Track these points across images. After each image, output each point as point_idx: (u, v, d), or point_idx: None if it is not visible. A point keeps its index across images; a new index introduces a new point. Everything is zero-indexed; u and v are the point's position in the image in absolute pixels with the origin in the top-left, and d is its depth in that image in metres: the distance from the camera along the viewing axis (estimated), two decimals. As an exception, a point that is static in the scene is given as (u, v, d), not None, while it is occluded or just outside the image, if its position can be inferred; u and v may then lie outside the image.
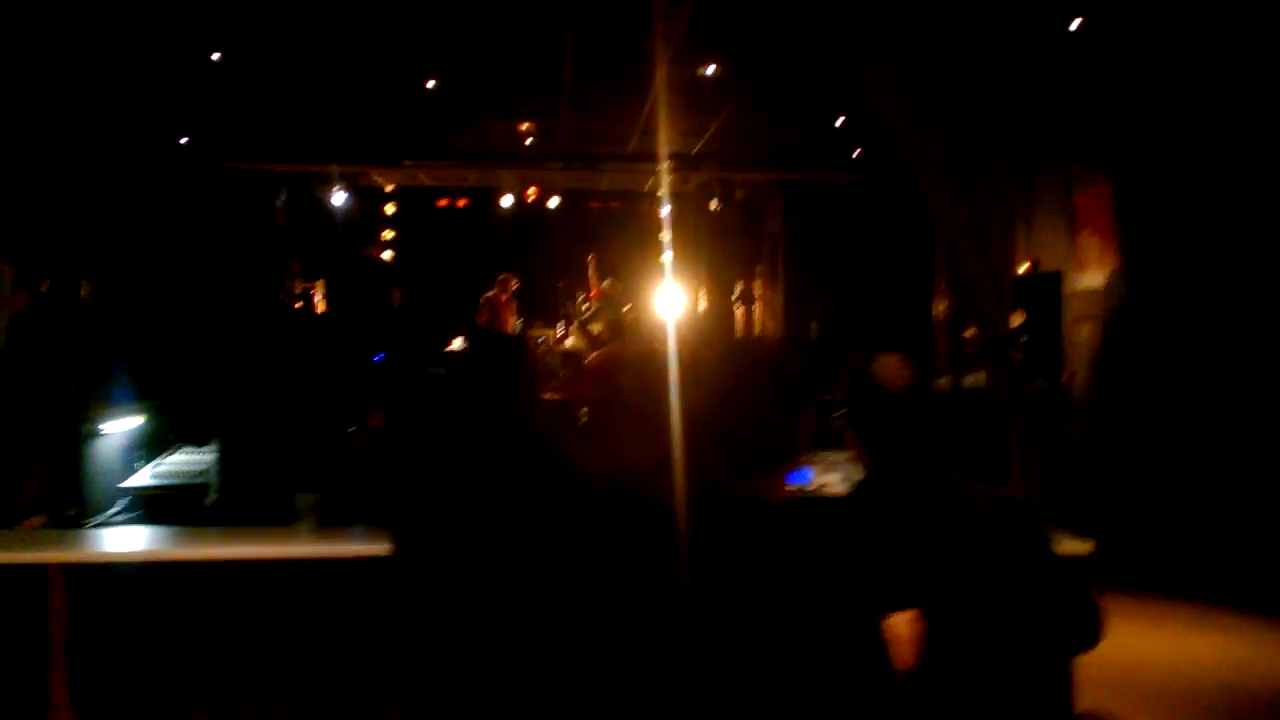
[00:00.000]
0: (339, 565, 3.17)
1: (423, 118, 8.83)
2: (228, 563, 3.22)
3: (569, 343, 12.68)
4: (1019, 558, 2.33)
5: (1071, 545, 3.32)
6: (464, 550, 2.82)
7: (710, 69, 7.17)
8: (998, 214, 4.21)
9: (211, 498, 3.97)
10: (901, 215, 10.96)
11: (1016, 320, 7.45)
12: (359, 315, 11.92)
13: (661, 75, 7.21)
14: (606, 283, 13.41)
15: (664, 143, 9.67)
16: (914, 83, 4.16)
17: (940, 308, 10.59)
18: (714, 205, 12.07)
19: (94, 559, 3.29)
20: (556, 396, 7.85)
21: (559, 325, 13.23)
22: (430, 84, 7.40)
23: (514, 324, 12.73)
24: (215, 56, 6.64)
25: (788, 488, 4.44)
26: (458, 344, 11.91)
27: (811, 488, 4.31)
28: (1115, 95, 7.52)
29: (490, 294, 12.85)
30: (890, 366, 2.34)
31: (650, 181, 12.79)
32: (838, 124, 8.99)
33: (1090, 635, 2.31)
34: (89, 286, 7.27)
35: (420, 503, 2.89)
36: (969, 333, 6.30)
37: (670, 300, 12.95)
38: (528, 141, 9.39)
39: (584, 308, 13.50)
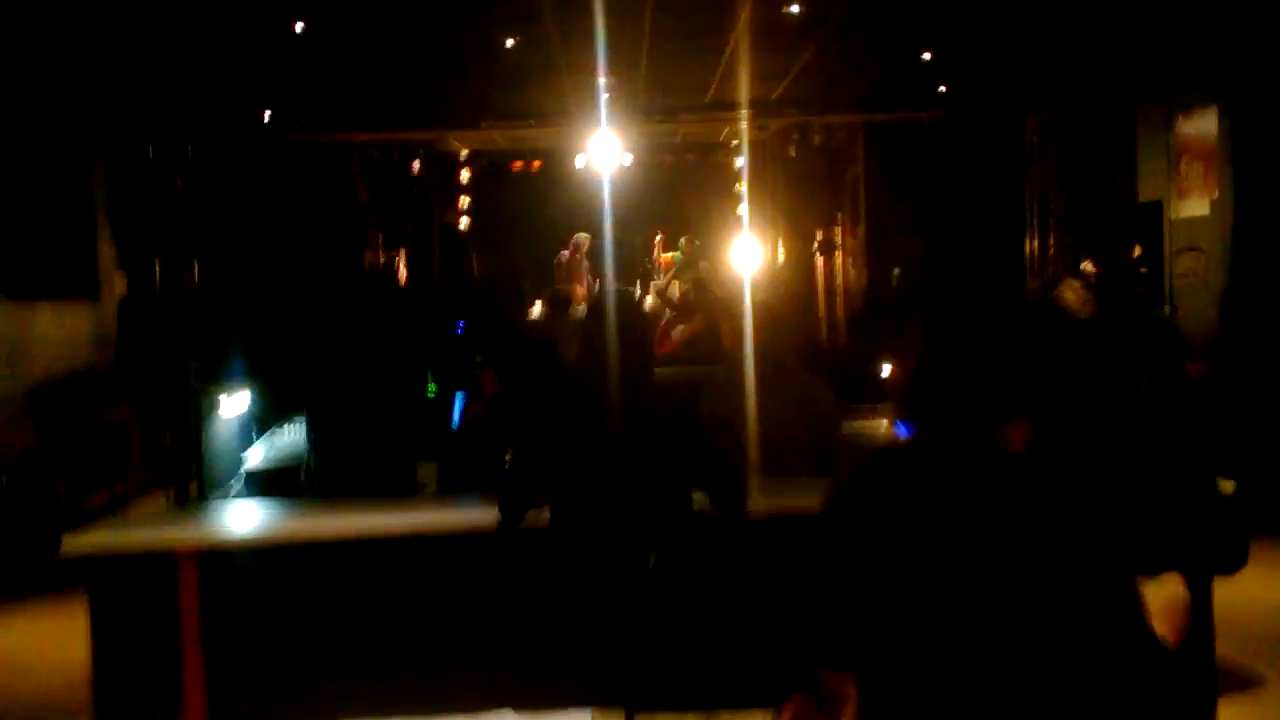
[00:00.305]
0: (474, 539, 3.12)
1: (497, 78, 8.75)
2: (364, 540, 3.18)
3: (647, 304, 12.60)
4: (1184, 484, 2.24)
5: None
6: (621, 522, 2.78)
7: (792, 8, 6.96)
8: (1120, 144, 4.00)
9: (305, 474, 3.95)
10: (989, 152, 10.64)
11: (1135, 253, 7.19)
12: (441, 283, 11.94)
13: (744, 18, 7.03)
14: (683, 241, 13.25)
15: (743, 88, 9.46)
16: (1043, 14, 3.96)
17: (1034, 245, 10.26)
18: (792, 152, 11.81)
19: (228, 545, 3.24)
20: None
21: (636, 284, 13.14)
22: (509, 43, 7.30)
23: (589, 284, 12.69)
24: (298, 27, 6.60)
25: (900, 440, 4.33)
26: (538, 309, 11.92)
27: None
28: (1218, 18, 7.16)
29: (564, 255, 12.83)
30: (1078, 294, 2.31)
31: (725, 131, 12.56)
32: (922, 59, 8.70)
33: (1237, 559, 2.27)
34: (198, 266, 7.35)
35: (572, 475, 2.84)
36: (1086, 266, 6.06)
37: (747, 255, 12.76)
38: (605, 97, 9.25)
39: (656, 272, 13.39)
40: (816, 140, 11.99)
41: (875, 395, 4.74)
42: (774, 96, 9.83)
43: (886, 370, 4.62)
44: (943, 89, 9.70)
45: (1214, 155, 7.69)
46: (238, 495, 4.08)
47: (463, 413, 3.82)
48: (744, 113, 10.22)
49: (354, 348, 3.84)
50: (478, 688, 3.24)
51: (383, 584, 3.27)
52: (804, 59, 8.37)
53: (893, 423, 4.22)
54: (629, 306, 3.06)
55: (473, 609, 3.24)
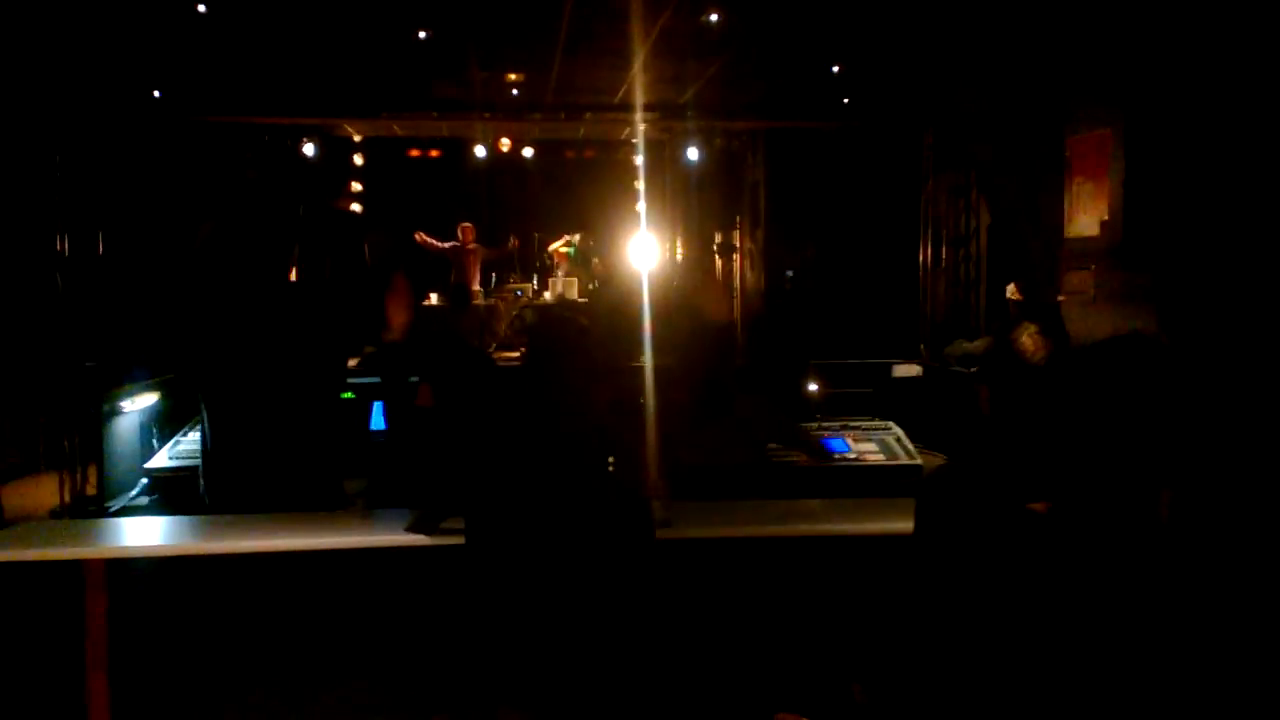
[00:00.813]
0: (398, 554, 3.02)
1: (402, 67, 8.54)
2: (288, 554, 3.05)
3: (547, 296, 12.52)
4: None
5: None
6: (542, 539, 2.71)
7: (711, 17, 6.98)
8: (1049, 173, 4.12)
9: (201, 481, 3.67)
10: (885, 163, 10.91)
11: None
12: (332, 273, 11.57)
13: (659, 25, 7.03)
14: (577, 237, 13.19)
15: (643, 90, 9.47)
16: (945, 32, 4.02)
17: (927, 256, 10.57)
18: (693, 153, 11.88)
19: (137, 554, 3.05)
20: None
21: (533, 279, 13.03)
22: (422, 35, 7.13)
23: (477, 276, 12.51)
24: (201, 8, 6.30)
25: (834, 457, 4.37)
26: (434, 301, 11.71)
27: (852, 455, 4.27)
28: (1111, 40, 7.43)
29: (452, 245, 12.63)
30: (1034, 341, 2.35)
31: (627, 130, 12.57)
32: (828, 70, 8.86)
33: None
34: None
35: (497, 489, 2.76)
36: (1011, 291, 6.20)
37: (645, 251, 12.81)
38: (513, 92, 9.14)
39: (553, 265, 13.29)
40: (718, 143, 12.09)
41: (804, 411, 4.76)
42: (682, 100, 9.86)
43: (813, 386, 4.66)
44: (846, 101, 9.89)
45: (1104, 175, 7.96)
46: (139, 501, 3.86)
47: (392, 423, 3.65)
48: (648, 115, 10.23)
49: (258, 345, 3.58)
50: (402, 708, 3.16)
51: (304, 600, 3.14)
52: (713, 68, 8.41)
53: (819, 443, 4.29)
54: (576, 329, 2.99)
55: (397, 627, 3.15)
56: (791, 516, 3.06)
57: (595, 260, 13.25)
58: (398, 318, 3.50)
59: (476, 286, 12.15)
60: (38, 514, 7.18)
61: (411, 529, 2.92)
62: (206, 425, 3.49)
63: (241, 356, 3.50)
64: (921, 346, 10.50)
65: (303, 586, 2.99)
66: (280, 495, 3.36)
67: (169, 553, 2.88)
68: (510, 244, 13.08)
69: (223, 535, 2.98)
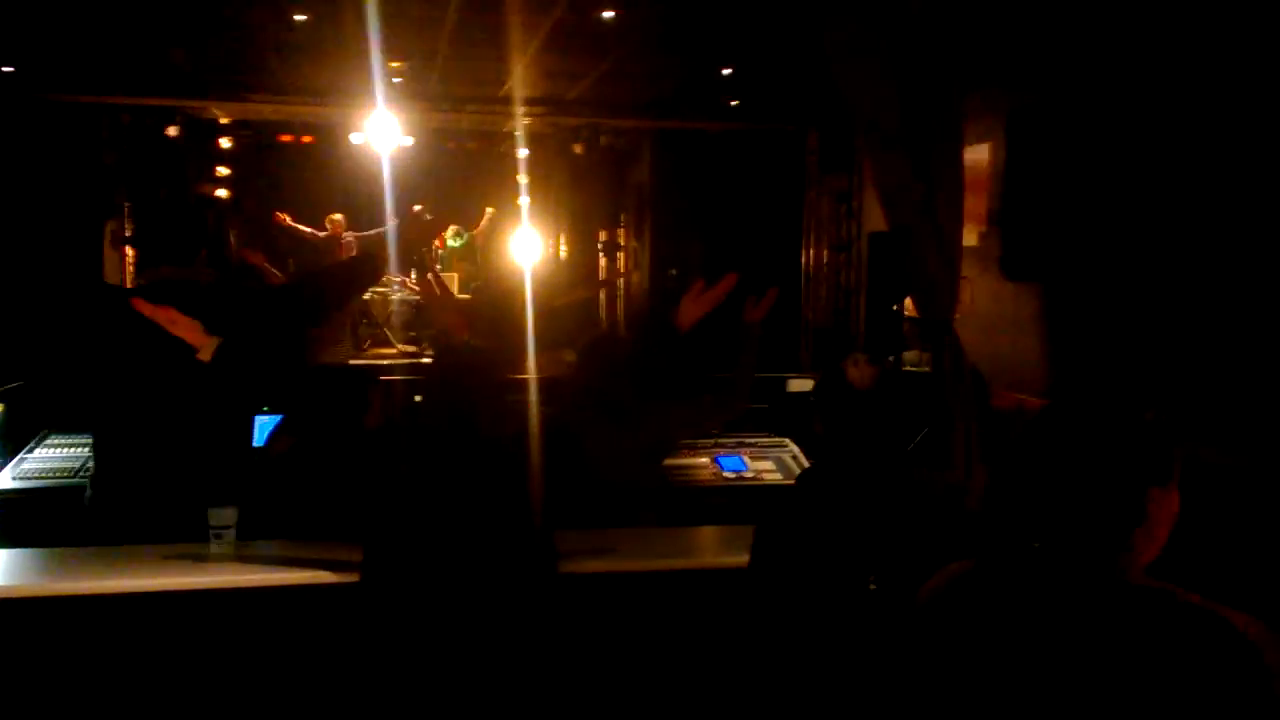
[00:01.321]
0: (278, 593, 2.77)
1: (276, 50, 8.10)
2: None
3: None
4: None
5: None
6: (443, 573, 2.52)
7: (604, 14, 6.81)
8: (948, 181, 4.03)
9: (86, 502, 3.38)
10: (771, 167, 10.94)
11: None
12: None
13: (550, 21, 6.82)
14: (451, 230, 12.89)
15: (530, 84, 9.24)
16: (872, 41, 3.93)
17: (809, 258, 10.64)
18: (578, 149, 11.69)
19: None
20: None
21: (411, 272, 12.63)
22: (299, 18, 6.76)
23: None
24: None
25: (725, 474, 4.28)
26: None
27: (750, 475, 4.18)
28: (994, 56, 7.53)
29: (324, 236, 12.20)
30: (861, 370, 2.51)
31: (510, 122, 12.29)
32: (717, 72, 8.79)
33: None
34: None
35: (395, 521, 2.56)
36: (905, 307, 6.17)
37: (527, 246, 12.58)
38: (395, 80, 8.78)
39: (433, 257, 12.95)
40: (603, 141, 11.94)
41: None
42: (570, 96, 9.66)
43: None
44: (734, 103, 9.86)
45: (985, 187, 8.07)
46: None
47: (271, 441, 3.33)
48: (535, 109, 10.01)
49: (137, 354, 3.27)
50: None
51: (163, 649, 2.82)
52: (604, 65, 8.25)
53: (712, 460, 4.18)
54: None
55: (273, 676, 2.88)
56: (694, 548, 2.94)
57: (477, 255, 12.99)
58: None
59: None
60: None
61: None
62: (94, 443, 3.25)
63: (135, 381, 3.22)
64: (803, 354, 10.57)
65: (164, 633, 2.71)
66: (169, 509, 3.09)
67: (7, 595, 2.57)
68: (388, 225, 12.69)
69: (69, 573, 2.68)
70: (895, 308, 6.24)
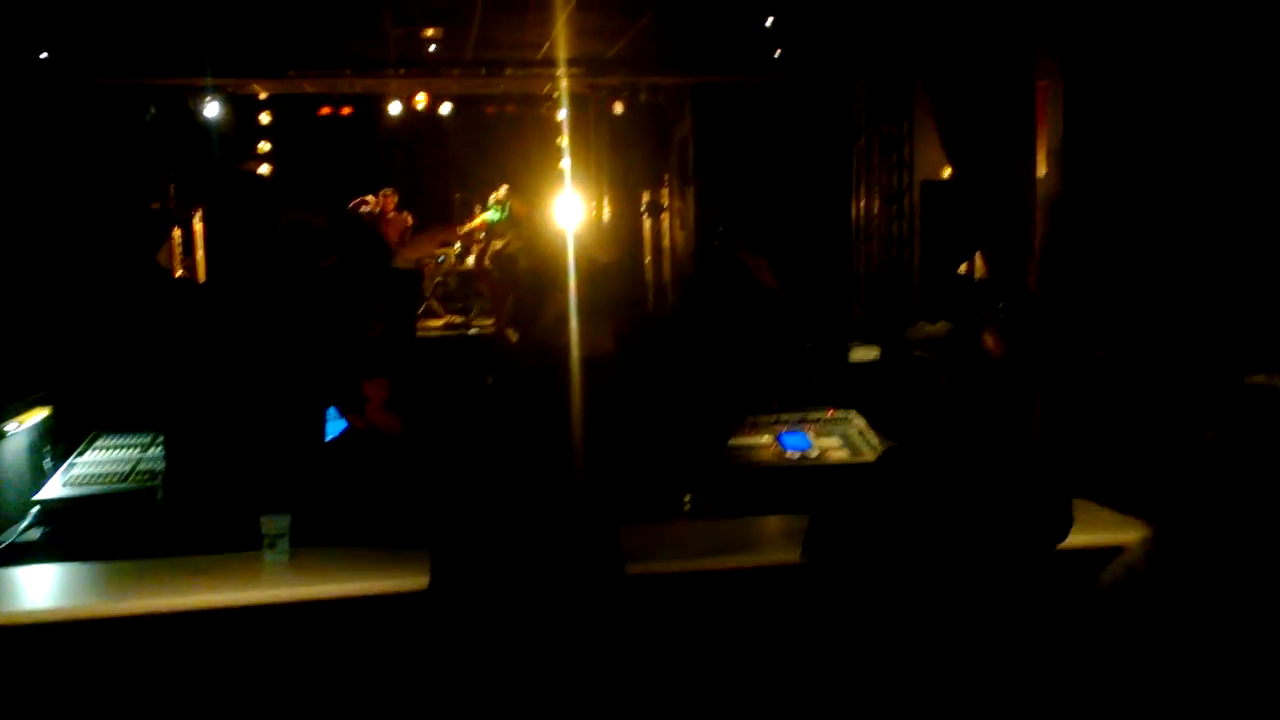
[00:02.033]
0: (340, 606, 2.67)
1: (312, 23, 7.98)
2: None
3: (470, 262, 12.03)
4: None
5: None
6: (513, 578, 2.42)
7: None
8: (1021, 125, 3.80)
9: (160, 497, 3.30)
10: (818, 117, 10.65)
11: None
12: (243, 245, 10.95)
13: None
14: (503, 191, 12.64)
15: (568, 45, 9.03)
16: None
17: (860, 210, 10.38)
18: (618, 108, 11.46)
19: (29, 620, 2.50)
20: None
21: (456, 244, 12.51)
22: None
23: (398, 244, 11.96)
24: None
25: (788, 454, 4.13)
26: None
27: (814, 454, 4.02)
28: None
29: (367, 211, 12.06)
30: (996, 341, 2.56)
31: (550, 85, 12.08)
32: (757, 24, 8.54)
33: None
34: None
35: (464, 528, 2.45)
36: (968, 269, 5.84)
37: (570, 210, 12.38)
38: (431, 48, 8.63)
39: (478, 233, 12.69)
40: (643, 98, 11.70)
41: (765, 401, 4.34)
42: (610, 55, 9.44)
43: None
44: (778, 54, 9.57)
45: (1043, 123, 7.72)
46: (30, 535, 3.43)
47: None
48: (573, 70, 9.80)
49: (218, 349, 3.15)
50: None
51: (229, 666, 2.72)
52: (642, 21, 8.02)
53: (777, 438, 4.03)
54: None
55: (341, 693, 2.78)
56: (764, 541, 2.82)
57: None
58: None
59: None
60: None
61: None
62: (167, 442, 3.16)
63: (213, 377, 3.12)
64: (857, 309, 10.35)
65: (227, 650, 2.64)
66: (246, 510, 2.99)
67: (65, 616, 2.51)
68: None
69: (129, 591, 2.60)
70: (962, 269, 5.94)
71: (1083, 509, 2.83)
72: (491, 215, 12.94)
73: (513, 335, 2.64)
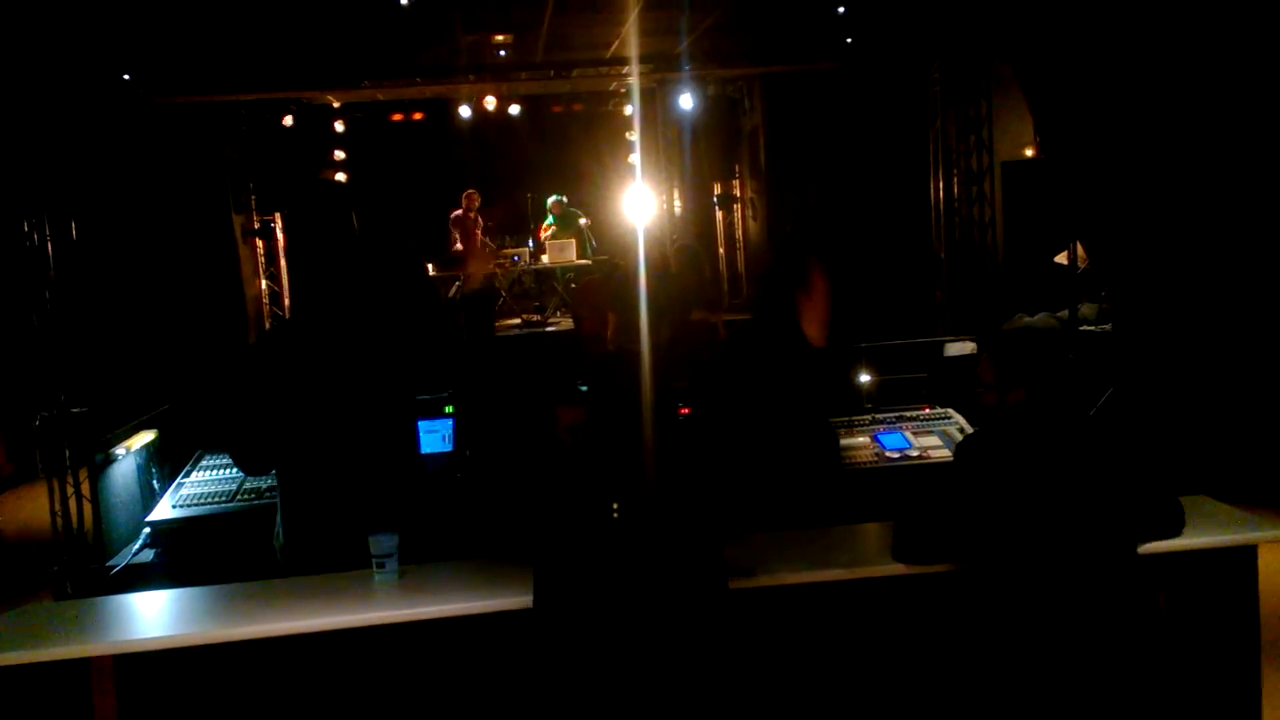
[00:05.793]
0: (454, 625, 2.66)
1: (384, 35, 8.06)
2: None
3: (545, 260, 12.07)
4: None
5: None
6: (616, 595, 2.39)
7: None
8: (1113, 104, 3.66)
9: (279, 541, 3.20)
10: (888, 102, 10.47)
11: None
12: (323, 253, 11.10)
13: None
14: (550, 202, 12.53)
15: (637, 43, 9.00)
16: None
17: (938, 193, 10.19)
18: (687, 102, 11.39)
19: (150, 647, 2.50)
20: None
21: (528, 244, 12.54)
22: (404, 1, 6.67)
23: (482, 241, 12.06)
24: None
25: (888, 453, 4.03)
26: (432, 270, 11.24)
27: (915, 453, 3.93)
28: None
29: (457, 213, 12.14)
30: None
31: (616, 81, 12.05)
32: (828, 12, 8.41)
33: None
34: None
35: (566, 544, 2.43)
36: (1065, 258, 5.59)
37: (640, 205, 12.32)
38: (500, 53, 8.66)
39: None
40: (712, 91, 11.61)
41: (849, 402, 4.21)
42: (678, 50, 9.38)
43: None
44: (849, 40, 9.43)
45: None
46: (143, 557, 3.51)
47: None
48: (643, 68, 9.76)
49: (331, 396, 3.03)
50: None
51: (349, 688, 2.71)
52: (710, 18, 7.95)
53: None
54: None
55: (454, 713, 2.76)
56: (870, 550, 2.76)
57: (583, 220, 12.75)
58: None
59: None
60: (34, 528, 6.84)
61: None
62: (281, 482, 3.06)
63: (316, 410, 3.03)
64: (938, 293, 10.17)
65: (347, 671, 2.66)
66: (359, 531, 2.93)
67: (185, 643, 2.55)
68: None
69: (248, 616, 2.62)
70: (1061, 258, 5.71)
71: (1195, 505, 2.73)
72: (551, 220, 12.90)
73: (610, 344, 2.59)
